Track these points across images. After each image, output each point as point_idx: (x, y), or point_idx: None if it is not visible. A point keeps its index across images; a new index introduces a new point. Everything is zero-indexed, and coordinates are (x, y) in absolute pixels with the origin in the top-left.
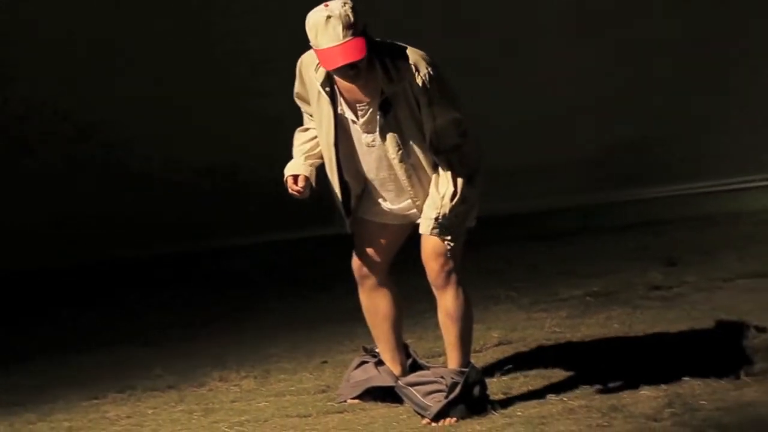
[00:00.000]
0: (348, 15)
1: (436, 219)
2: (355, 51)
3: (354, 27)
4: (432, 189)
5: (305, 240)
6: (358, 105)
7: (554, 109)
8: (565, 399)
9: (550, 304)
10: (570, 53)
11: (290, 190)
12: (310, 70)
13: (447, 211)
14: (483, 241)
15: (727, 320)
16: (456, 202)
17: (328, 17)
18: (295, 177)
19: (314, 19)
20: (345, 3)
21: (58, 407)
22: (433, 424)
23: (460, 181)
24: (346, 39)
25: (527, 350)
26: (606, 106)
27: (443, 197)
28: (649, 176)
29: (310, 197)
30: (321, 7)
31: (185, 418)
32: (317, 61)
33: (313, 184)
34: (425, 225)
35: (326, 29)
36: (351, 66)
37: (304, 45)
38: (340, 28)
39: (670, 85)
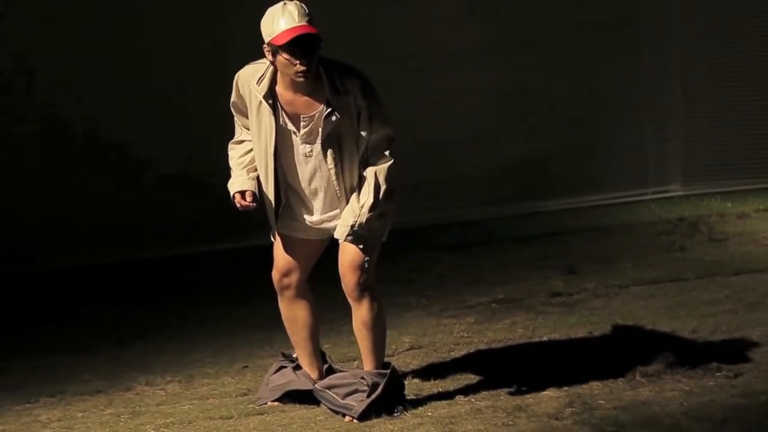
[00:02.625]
0: (303, 7)
1: (352, 226)
2: (310, 30)
3: (309, 17)
4: (353, 198)
5: (224, 252)
6: (301, 116)
7: (461, 128)
8: (472, 400)
9: (459, 311)
10: (476, 76)
11: (239, 207)
12: (250, 84)
13: (363, 220)
14: (395, 252)
15: (623, 324)
16: (373, 214)
17: (284, 5)
18: (242, 193)
19: (270, 11)
20: (300, 3)
21: None
22: (356, 422)
23: (380, 194)
24: (302, 22)
25: (437, 354)
26: (508, 126)
27: (362, 207)
28: (549, 190)
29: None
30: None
31: (113, 421)
32: (259, 75)
33: (258, 195)
34: (341, 230)
35: (283, 14)
36: (305, 53)
37: None
38: (296, 13)
39: (568, 105)
